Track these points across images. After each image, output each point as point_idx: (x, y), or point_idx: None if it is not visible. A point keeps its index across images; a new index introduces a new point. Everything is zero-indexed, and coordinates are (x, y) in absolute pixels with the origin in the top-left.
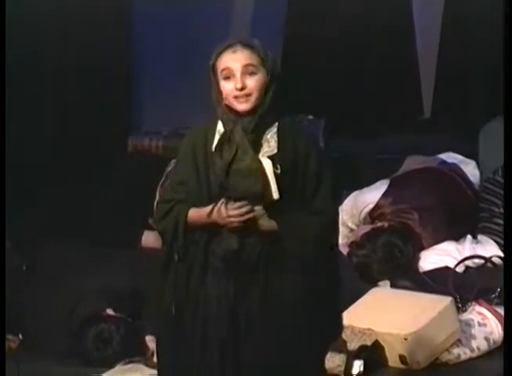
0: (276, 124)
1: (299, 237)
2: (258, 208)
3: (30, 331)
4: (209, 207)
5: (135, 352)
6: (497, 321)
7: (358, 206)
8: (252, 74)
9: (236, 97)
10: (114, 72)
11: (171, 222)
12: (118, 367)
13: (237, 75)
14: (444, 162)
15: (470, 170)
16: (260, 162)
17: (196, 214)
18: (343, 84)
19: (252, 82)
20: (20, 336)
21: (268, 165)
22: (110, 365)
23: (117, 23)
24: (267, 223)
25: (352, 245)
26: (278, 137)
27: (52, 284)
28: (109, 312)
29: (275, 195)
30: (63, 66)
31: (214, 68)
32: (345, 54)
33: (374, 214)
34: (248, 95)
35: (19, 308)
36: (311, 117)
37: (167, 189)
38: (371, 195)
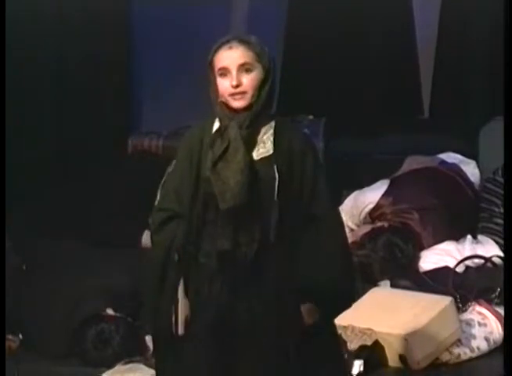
0: (273, 124)
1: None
2: None
3: (30, 331)
4: None
5: (134, 352)
6: (497, 321)
7: (358, 206)
8: (248, 70)
9: (231, 94)
10: (114, 72)
11: (169, 235)
12: (118, 367)
13: (233, 73)
14: (444, 162)
15: (470, 170)
16: (250, 160)
17: None
18: (343, 85)
19: (247, 80)
20: (20, 336)
21: None
22: (110, 365)
23: (116, 24)
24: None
25: (352, 245)
26: (274, 137)
27: (52, 284)
28: (110, 312)
29: None
30: (62, 66)
31: (211, 65)
32: (345, 54)
33: (374, 214)
34: (243, 92)
35: (19, 307)
36: (311, 117)
37: (162, 194)
38: (371, 195)
